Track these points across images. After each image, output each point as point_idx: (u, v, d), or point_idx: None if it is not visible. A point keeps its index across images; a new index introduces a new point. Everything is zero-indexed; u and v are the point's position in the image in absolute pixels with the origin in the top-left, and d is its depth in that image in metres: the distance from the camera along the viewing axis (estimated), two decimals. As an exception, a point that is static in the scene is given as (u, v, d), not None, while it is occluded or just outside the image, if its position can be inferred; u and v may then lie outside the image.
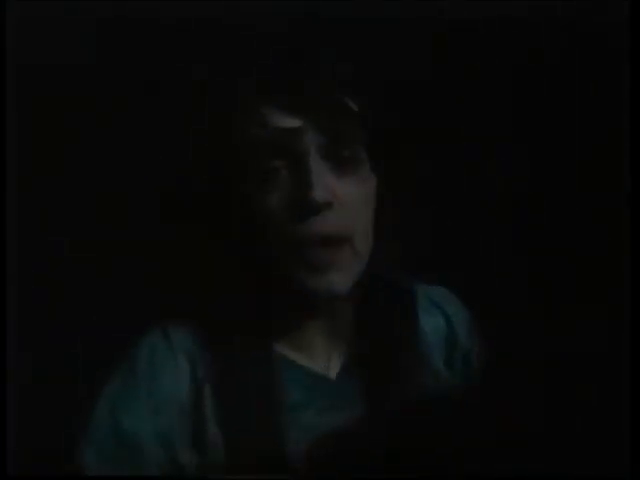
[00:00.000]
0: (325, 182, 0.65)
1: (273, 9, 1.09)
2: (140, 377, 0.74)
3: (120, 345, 1.17)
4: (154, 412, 0.72)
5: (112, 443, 0.73)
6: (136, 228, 1.14)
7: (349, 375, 0.74)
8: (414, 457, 0.90)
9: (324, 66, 0.72)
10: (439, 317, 0.87)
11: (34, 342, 1.10)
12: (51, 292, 1.13)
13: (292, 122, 0.65)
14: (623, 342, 1.03)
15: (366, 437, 0.93)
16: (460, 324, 0.87)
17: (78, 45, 1.13)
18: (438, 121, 1.18)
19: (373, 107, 0.79)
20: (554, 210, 1.17)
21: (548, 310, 1.14)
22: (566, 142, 1.16)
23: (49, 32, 1.12)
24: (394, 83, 1.17)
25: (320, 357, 0.74)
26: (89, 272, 1.14)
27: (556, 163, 1.17)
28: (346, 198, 0.67)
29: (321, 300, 0.68)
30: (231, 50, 0.89)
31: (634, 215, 1.05)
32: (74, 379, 1.11)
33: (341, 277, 0.66)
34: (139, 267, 1.14)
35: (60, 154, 1.14)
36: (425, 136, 1.16)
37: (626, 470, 0.97)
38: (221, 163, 0.70)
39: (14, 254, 1.06)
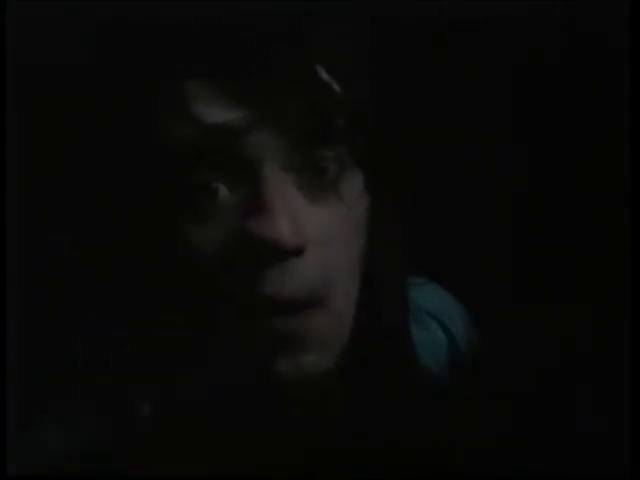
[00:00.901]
0: (292, 212, 0.40)
1: (273, 9, 1.09)
2: None
3: (120, 345, 1.17)
4: None
5: None
6: (136, 228, 1.14)
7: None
8: (413, 457, 0.90)
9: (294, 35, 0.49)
10: (437, 331, 0.71)
11: (34, 342, 1.10)
12: (51, 292, 1.13)
13: (236, 116, 0.42)
14: (623, 342, 1.03)
15: (365, 437, 0.93)
16: (461, 332, 0.74)
17: (78, 45, 1.13)
18: (438, 121, 1.18)
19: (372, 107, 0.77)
20: (554, 210, 1.17)
21: (548, 310, 1.14)
22: (566, 142, 1.16)
23: (49, 32, 1.11)
24: (393, 83, 1.17)
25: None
26: (89, 272, 1.14)
27: (556, 163, 1.17)
28: (323, 235, 0.43)
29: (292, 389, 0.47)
30: (231, 50, 0.88)
31: (634, 215, 1.05)
32: (74, 379, 1.11)
33: (317, 357, 0.44)
34: (139, 267, 1.14)
35: (60, 154, 1.14)
36: (425, 136, 1.16)
37: (626, 470, 0.97)
38: (147, 180, 0.48)
39: (14, 254, 1.06)
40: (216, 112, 0.45)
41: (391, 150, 0.66)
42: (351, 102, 0.48)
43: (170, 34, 1.10)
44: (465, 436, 0.93)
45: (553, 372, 1.08)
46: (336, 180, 0.46)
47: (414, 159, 1.08)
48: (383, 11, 1.12)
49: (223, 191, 0.45)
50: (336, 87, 0.47)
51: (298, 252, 0.42)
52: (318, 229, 0.44)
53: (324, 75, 0.47)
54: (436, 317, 0.72)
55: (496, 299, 1.15)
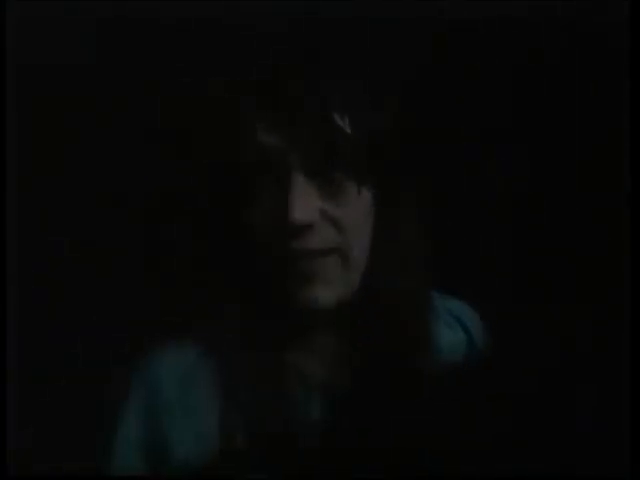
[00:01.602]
0: (307, 203, 0.61)
1: (273, 9, 1.09)
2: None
3: (120, 345, 1.18)
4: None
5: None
6: (136, 228, 1.14)
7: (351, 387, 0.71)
8: (414, 457, 0.90)
9: (314, 83, 0.66)
10: (459, 331, 0.83)
11: (34, 342, 1.10)
12: (51, 292, 1.13)
13: (276, 139, 0.62)
14: (623, 342, 1.03)
15: (365, 437, 0.93)
16: (479, 336, 0.84)
17: (78, 45, 1.13)
18: (437, 121, 1.18)
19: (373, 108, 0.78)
20: (554, 210, 1.17)
21: (548, 310, 1.14)
22: (566, 142, 1.16)
23: (49, 32, 1.12)
24: (395, 83, 1.18)
25: (321, 366, 0.72)
26: (89, 272, 1.14)
27: (556, 163, 1.17)
28: (334, 218, 0.64)
29: (308, 313, 0.65)
30: (231, 50, 0.89)
31: (634, 215, 1.05)
32: (74, 379, 1.11)
33: (326, 290, 0.63)
34: (139, 267, 1.14)
35: (60, 154, 1.14)
36: (425, 136, 1.16)
37: (626, 470, 0.97)
38: (214, 174, 0.69)
39: (14, 254, 1.06)
40: (265, 137, 0.63)
41: (391, 155, 0.76)
42: (359, 139, 0.66)
43: (170, 34, 1.10)
44: (465, 435, 0.93)
45: (553, 372, 1.08)
46: (344, 185, 0.65)
47: (413, 160, 1.08)
48: (383, 11, 1.12)
49: (267, 189, 0.64)
50: (348, 130, 0.65)
51: (308, 228, 0.61)
52: (329, 213, 0.63)
53: (338, 121, 0.65)
54: (459, 319, 0.83)
55: (497, 299, 1.14)
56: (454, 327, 0.82)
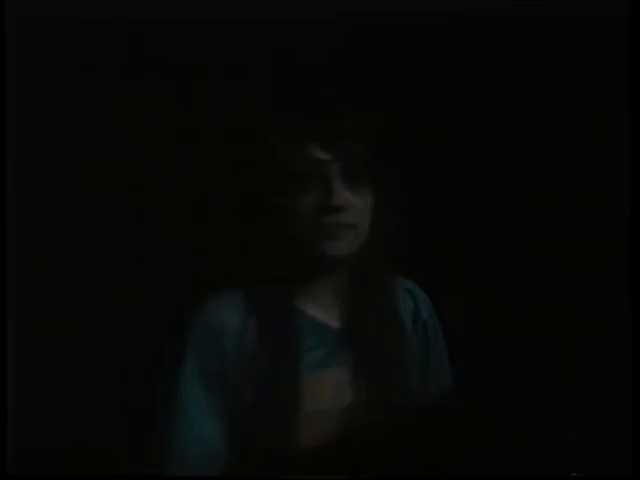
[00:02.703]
0: (341, 195, 0.94)
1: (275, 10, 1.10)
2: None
3: (119, 345, 1.18)
4: None
5: None
6: (138, 228, 1.14)
7: (346, 325, 1.01)
8: (416, 456, 0.90)
9: (349, 115, 0.99)
10: (409, 299, 1.10)
11: (34, 342, 1.10)
12: (51, 292, 1.13)
13: (324, 155, 0.95)
14: (624, 342, 1.03)
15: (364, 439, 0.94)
16: (422, 303, 1.09)
17: (78, 45, 1.13)
18: (437, 121, 1.18)
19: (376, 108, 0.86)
20: (554, 210, 1.17)
21: (548, 309, 1.14)
22: (566, 142, 1.16)
23: (49, 32, 1.12)
24: (397, 83, 1.18)
25: (323, 308, 1.01)
26: (89, 272, 1.14)
27: (556, 163, 1.17)
28: (355, 205, 0.96)
29: (329, 260, 0.96)
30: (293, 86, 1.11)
31: (634, 215, 1.06)
32: (74, 379, 1.11)
33: (342, 246, 0.95)
34: (141, 267, 1.14)
35: (60, 154, 1.14)
36: (423, 137, 1.17)
37: (627, 470, 0.97)
38: (265, 171, 0.98)
39: (14, 254, 1.06)
40: (314, 150, 0.96)
41: (393, 159, 1.02)
42: (367, 154, 0.98)
43: (171, 34, 1.11)
44: (464, 435, 0.93)
45: (553, 372, 1.08)
46: (362, 183, 0.98)
47: (413, 161, 1.09)
48: (377, 10, 1.13)
49: (315, 184, 0.96)
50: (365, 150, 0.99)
51: (342, 208, 0.94)
52: (353, 201, 0.96)
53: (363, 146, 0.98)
54: (410, 290, 1.10)
55: (497, 300, 1.15)
56: (405, 296, 1.09)
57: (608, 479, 0.96)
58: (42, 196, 1.13)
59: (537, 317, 1.13)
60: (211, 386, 0.94)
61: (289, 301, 0.98)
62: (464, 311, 1.12)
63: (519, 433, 0.94)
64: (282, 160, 0.95)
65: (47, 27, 1.12)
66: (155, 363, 1.00)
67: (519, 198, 1.18)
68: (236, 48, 1.16)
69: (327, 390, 0.96)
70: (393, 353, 0.99)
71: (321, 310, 0.99)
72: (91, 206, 1.14)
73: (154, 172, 1.14)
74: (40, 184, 1.13)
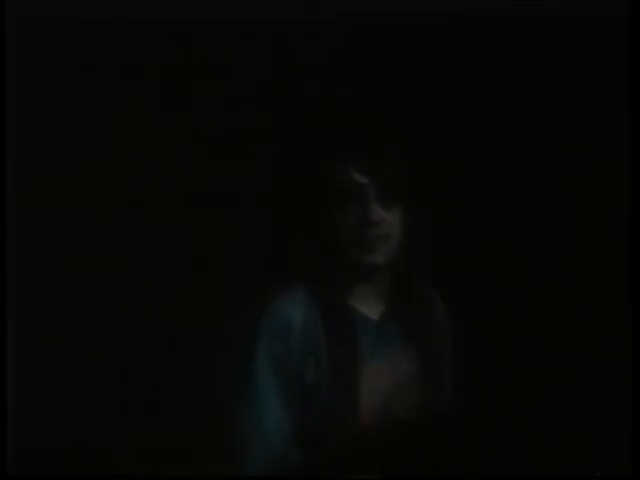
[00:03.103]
0: (377, 212, 1.09)
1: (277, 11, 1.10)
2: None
3: (120, 345, 1.18)
4: None
5: None
6: (140, 228, 1.14)
7: (388, 318, 1.16)
8: (416, 456, 0.90)
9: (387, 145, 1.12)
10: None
11: (34, 342, 1.10)
12: (51, 293, 1.13)
13: (362, 179, 1.09)
14: (624, 341, 1.03)
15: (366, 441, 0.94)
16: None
17: (78, 45, 1.13)
18: (437, 121, 1.18)
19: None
20: (554, 210, 1.17)
21: (548, 311, 1.14)
22: (566, 142, 1.16)
23: (49, 32, 1.12)
24: (396, 83, 1.18)
25: (370, 306, 1.15)
26: (89, 272, 1.14)
27: (556, 162, 1.17)
28: (388, 221, 1.10)
29: (370, 267, 1.11)
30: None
31: (634, 215, 1.06)
32: (74, 379, 1.11)
33: (380, 256, 1.10)
34: (143, 268, 1.15)
35: (60, 154, 1.14)
36: (423, 136, 1.17)
37: (627, 470, 0.97)
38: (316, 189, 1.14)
39: (14, 254, 1.07)
40: (355, 175, 1.10)
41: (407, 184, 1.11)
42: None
43: (170, 34, 1.10)
44: (464, 435, 0.93)
45: (553, 372, 1.08)
46: (393, 202, 1.10)
47: (424, 187, 1.10)
48: (377, 10, 1.13)
49: (354, 203, 1.10)
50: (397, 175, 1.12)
51: (378, 224, 1.08)
52: (386, 218, 1.09)
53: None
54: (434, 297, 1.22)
55: (497, 300, 1.15)
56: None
57: (608, 479, 0.96)
58: (42, 196, 1.13)
59: (537, 317, 1.14)
60: (281, 372, 1.08)
61: (344, 299, 1.14)
62: (464, 311, 1.12)
63: (519, 433, 0.94)
64: (330, 181, 1.12)
65: (47, 27, 1.12)
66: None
67: (519, 198, 1.18)
68: (236, 48, 1.16)
69: (380, 374, 1.10)
70: (431, 340, 1.14)
71: (368, 308, 1.14)
72: (96, 204, 1.15)
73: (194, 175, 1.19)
74: (40, 184, 1.13)
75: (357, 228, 1.10)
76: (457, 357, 1.10)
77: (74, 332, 1.13)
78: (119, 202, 1.15)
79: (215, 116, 1.17)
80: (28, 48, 1.10)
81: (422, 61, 1.17)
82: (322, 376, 1.08)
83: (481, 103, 1.17)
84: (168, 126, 1.15)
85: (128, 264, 1.15)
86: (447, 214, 1.20)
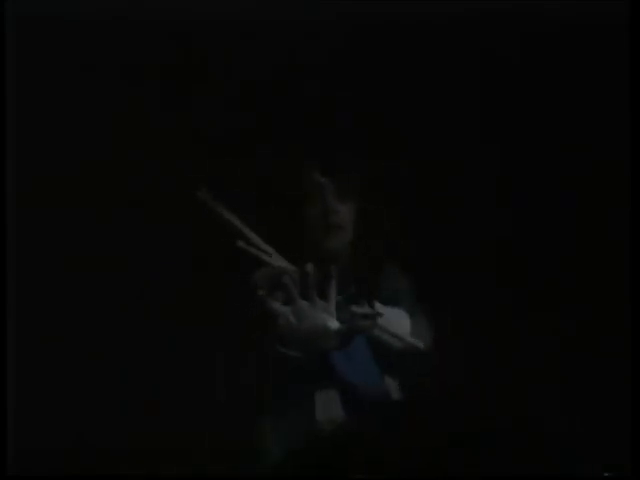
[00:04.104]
0: (336, 209, 1.18)
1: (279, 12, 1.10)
2: None
3: (120, 345, 1.18)
4: None
5: None
6: (141, 229, 1.14)
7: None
8: (416, 456, 0.90)
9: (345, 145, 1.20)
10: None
11: (34, 342, 1.10)
12: (51, 293, 1.13)
13: (322, 179, 1.18)
14: (623, 341, 1.03)
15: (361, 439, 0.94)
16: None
17: (78, 45, 1.13)
18: (436, 121, 1.19)
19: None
20: (554, 210, 1.17)
21: (548, 311, 1.14)
22: (566, 141, 1.16)
23: (49, 32, 1.12)
24: (396, 83, 1.18)
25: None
26: (89, 272, 1.15)
27: (556, 162, 1.17)
28: (343, 214, 1.19)
29: (328, 251, 1.18)
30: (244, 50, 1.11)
31: (634, 215, 1.06)
32: (74, 379, 1.11)
33: (337, 241, 1.18)
34: (143, 268, 1.15)
35: (60, 153, 1.15)
36: (422, 137, 1.17)
37: (627, 470, 0.97)
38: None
39: (14, 254, 1.07)
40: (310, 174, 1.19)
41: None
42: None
43: (170, 34, 1.11)
44: (464, 434, 0.93)
45: (553, 372, 1.08)
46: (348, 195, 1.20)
47: (411, 163, 1.09)
48: (377, 10, 1.13)
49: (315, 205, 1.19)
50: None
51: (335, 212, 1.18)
52: (344, 215, 1.18)
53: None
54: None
55: (497, 300, 1.15)
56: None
57: (608, 479, 0.96)
58: (42, 196, 1.13)
59: (537, 317, 1.14)
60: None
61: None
62: (464, 311, 1.12)
63: (519, 433, 0.94)
64: (292, 179, 1.20)
65: (47, 27, 1.12)
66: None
67: (519, 198, 1.18)
68: (236, 48, 1.16)
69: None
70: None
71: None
72: (96, 204, 1.15)
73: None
74: (40, 184, 1.13)
75: (320, 218, 1.19)
76: (457, 357, 1.10)
77: (74, 332, 1.13)
78: (119, 202, 1.15)
79: (215, 116, 1.17)
80: (28, 48, 1.10)
81: (422, 61, 1.17)
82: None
83: (481, 103, 1.17)
84: (168, 126, 1.15)
85: (128, 264, 1.15)
86: (447, 214, 1.19)
